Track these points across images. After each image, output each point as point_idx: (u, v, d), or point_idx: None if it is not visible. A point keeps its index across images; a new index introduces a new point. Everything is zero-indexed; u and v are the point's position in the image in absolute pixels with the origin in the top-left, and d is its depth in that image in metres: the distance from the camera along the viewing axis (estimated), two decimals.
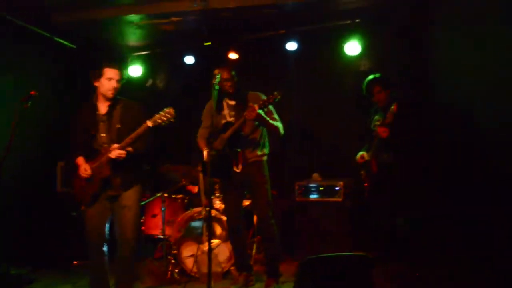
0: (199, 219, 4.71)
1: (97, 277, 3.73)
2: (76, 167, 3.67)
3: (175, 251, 4.67)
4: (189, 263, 4.55)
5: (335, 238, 4.87)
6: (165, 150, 6.10)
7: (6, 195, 4.65)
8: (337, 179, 5.09)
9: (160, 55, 6.47)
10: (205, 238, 4.41)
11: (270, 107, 4.12)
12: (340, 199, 4.97)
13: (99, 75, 3.61)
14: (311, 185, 5.13)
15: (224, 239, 4.62)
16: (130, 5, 5.07)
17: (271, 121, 4.09)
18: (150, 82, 6.55)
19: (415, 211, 4.37)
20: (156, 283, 4.58)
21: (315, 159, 5.79)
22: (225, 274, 4.60)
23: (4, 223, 4.55)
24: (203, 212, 4.69)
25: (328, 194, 5.03)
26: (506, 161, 3.97)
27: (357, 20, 5.40)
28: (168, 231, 4.92)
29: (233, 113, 4.20)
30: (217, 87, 3.60)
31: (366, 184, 4.53)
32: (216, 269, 4.50)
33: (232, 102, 4.25)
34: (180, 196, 5.22)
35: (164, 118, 3.43)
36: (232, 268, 4.57)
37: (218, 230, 4.70)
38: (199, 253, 4.42)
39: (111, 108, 3.68)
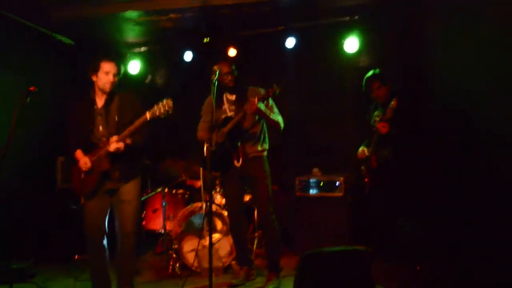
0: (200, 214, 4.73)
1: (97, 271, 3.74)
2: (75, 161, 3.69)
3: (176, 246, 4.70)
4: (190, 257, 4.57)
5: (335, 233, 4.90)
6: (165, 146, 6.12)
7: (7, 190, 4.68)
8: (337, 174, 5.11)
9: (159, 51, 6.48)
10: (206, 232, 4.44)
11: (270, 101, 4.14)
12: (340, 194, 5.00)
13: (96, 69, 3.63)
14: (311, 180, 5.15)
15: (225, 234, 4.65)
16: (129, 1, 5.06)
17: (271, 115, 4.11)
18: (149, 78, 6.56)
19: (414, 208, 4.39)
20: (157, 278, 4.61)
21: (315, 154, 5.81)
22: (226, 269, 4.63)
23: (6, 217, 4.57)
24: (204, 207, 4.72)
25: (329, 189, 5.05)
26: (506, 160, 3.99)
27: (355, 17, 5.42)
28: (169, 226, 4.94)
29: (233, 107, 4.22)
30: (216, 83, 3.62)
31: (366, 180, 4.55)
32: (217, 263, 4.53)
33: (232, 97, 4.27)
34: (181, 191, 5.24)
35: (163, 110, 3.44)
36: (233, 262, 4.60)
37: (219, 224, 4.73)
38: (200, 247, 4.44)
39: (109, 101, 3.70)
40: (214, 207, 4.71)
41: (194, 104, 4.70)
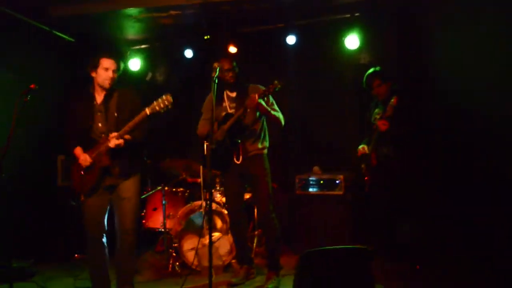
0: (200, 213, 4.72)
1: (97, 268, 3.74)
2: (74, 158, 3.68)
3: (176, 244, 4.69)
4: (190, 256, 4.57)
5: (335, 231, 4.89)
6: (165, 145, 6.11)
7: (7, 189, 4.66)
8: (337, 172, 5.10)
9: (159, 48, 6.47)
10: (206, 231, 4.43)
11: (271, 99, 4.13)
12: (340, 193, 4.99)
13: (96, 66, 3.62)
14: (311, 178, 5.14)
15: (225, 232, 4.64)
16: None
17: (272, 112, 4.09)
18: (149, 76, 6.54)
19: (414, 206, 4.37)
20: (157, 277, 4.60)
21: (315, 152, 5.80)
22: (226, 267, 4.63)
23: (5, 216, 4.56)
24: (204, 205, 4.71)
25: (329, 187, 5.04)
26: (505, 159, 3.98)
27: (356, 14, 5.40)
28: (169, 225, 4.93)
29: (233, 105, 4.21)
30: (216, 81, 3.60)
31: (366, 178, 4.54)
32: (217, 262, 4.52)
33: (233, 94, 4.26)
34: (181, 189, 5.24)
35: (162, 105, 3.44)
36: (233, 261, 4.60)
37: (218, 223, 4.72)
38: (200, 246, 4.44)
39: (108, 97, 3.69)
40: (214, 206, 4.70)
41: (195, 102, 4.70)
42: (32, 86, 3.57)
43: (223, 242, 4.63)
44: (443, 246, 4.51)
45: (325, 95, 5.83)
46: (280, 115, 4.18)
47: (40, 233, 5.11)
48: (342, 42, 5.45)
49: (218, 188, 5.04)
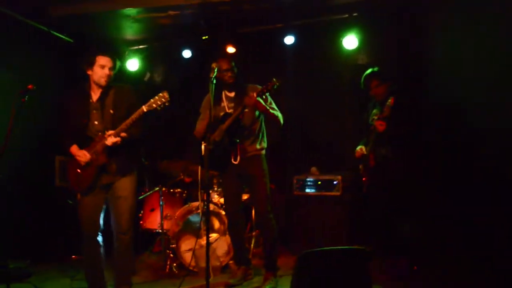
0: (197, 213, 4.71)
1: (92, 267, 3.74)
2: (70, 156, 3.67)
3: (173, 245, 4.68)
4: (187, 257, 4.56)
5: (333, 232, 4.89)
6: (163, 146, 6.10)
7: (4, 189, 4.65)
8: (335, 173, 5.10)
9: (157, 49, 6.46)
10: (203, 232, 4.42)
11: (269, 98, 4.12)
12: (338, 193, 4.98)
13: (92, 63, 3.62)
14: (309, 179, 5.13)
15: (222, 233, 4.63)
16: None
17: (271, 110, 4.09)
18: (147, 76, 6.54)
19: (412, 207, 4.37)
20: (155, 277, 4.59)
21: (313, 153, 5.79)
22: (224, 268, 4.62)
23: (2, 217, 4.55)
24: (201, 206, 4.70)
25: (326, 188, 5.03)
26: (504, 159, 3.97)
27: (354, 14, 5.39)
28: (166, 225, 4.93)
29: (232, 104, 4.20)
30: (214, 81, 3.60)
31: (364, 179, 4.53)
32: (214, 263, 4.51)
33: (231, 94, 4.25)
34: (178, 190, 5.23)
35: (159, 102, 3.44)
36: (231, 262, 4.59)
37: (216, 224, 4.71)
38: (197, 247, 4.43)
39: (104, 95, 3.69)
40: (211, 206, 4.69)
41: (193, 102, 4.69)
42: (29, 86, 3.57)
43: (220, 243, 4.62)
44: (442, 246, 4.50)
45: (323, 95, 5.83)
46: (279, 114, 4.18)
47: (37, 233, 5.08)
48: (340, 43, 5.46)
49: (215, 189, 5.03)
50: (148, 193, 5.14)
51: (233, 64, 4.17)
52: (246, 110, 4.02)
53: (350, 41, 5.38)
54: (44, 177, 5.37)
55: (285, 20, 5.67)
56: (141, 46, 6.39)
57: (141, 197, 5.05)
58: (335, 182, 5.00)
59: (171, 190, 5.18)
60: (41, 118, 5.06)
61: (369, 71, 4.50)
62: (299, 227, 5.10)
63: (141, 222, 5.13)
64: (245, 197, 4.81)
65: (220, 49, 5.76)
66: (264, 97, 3.96)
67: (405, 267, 4.19)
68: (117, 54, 3.78)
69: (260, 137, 4.25)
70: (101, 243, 3.73)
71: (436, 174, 4.82)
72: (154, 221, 5.09)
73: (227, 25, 5.77)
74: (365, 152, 4.50)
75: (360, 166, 4.57)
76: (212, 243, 4.52)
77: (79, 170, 3.63)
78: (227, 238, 4.56)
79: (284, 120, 4.23)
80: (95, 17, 5.39)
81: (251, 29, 5.91)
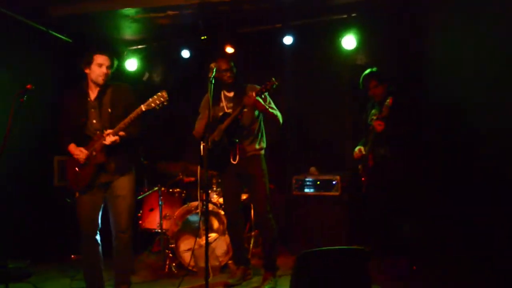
0: (197, 213, 4.71)
1: (90, 266, 3.75)
2: (68, 155, 3.67)
3: (172, 245, 4.68)
4: (186, 257, 4.56)
5: (332, 232, 4.89)
6: (162, 145, 6.10)
7: (3, 189, 4.65)
8: (334, 173, 5.10)
9: (156, 49, 6.46)
10: (202, 232, 4.42)
11: (268, 98, 4.12)
12: (337, 193, 4.98)
13: (90, 62, 3.63)
14: (308, 179, 5.13)
15: (221, 233, 4.63)
16: None
17: (270, 109, 4.09)
18: (146, 76, 6.53)
19: (411, 207, 4.37)
20: (154, 277, 4.59)
21: (312, 153, 5.80)
22: (223, 268, 4.62)
23: (2, 217, 4.55)
24: (201, 206, 4.70)
25: (325, 188, 5.03)
26: (503, 159, 3.98)
27: (353, 14, 5.40)
28: (165, 225, 4.93)
29: (231, 104, 4.20)
30: (213, 81, 3.60)
31: (363, 179, 4.53)
32: (213, 263, 4.52)
33: (230, 94, 4.25)
34: (178, 190, 5.22)
35: (158, 102, 3.45)
36: (230, 262, 4.59)
37: (215, 224, 4.71)
38: (196, 247, 4.43)
39: (101, 93, 3.69)
40: (210, 206, 4.69)
41: (192, 102, 4.69)
42: (28, 86, 3.56)
43: (219, 243, 4.62)
44: (442, 246, 4.51)
45: (322, 95, 5.83)
46: (278, 113, 4.18)
47: (37, 233, 5.08)
48: (339, 43, 5.46)
49: (215, 188, 5.03)
50: (147, 193, 5.13)
51: (232, 64, 4.17)
52: (245, 109, 4.03)
53: (349, 41, 5.39)
54: (43, 177, 5.37)
55: (284, 20, 5.67)
56: (140, 46, 6.39)
57: (140, 197, 5.04)
58: (334, 182, 5.01)
59: (170, 190, 5.18)
60: (40, 118, 5.07)
61: (367, 71, 4.51)
62: (298, 227, 5.10)
63: (140, 222, 5.13)
64: (244, 197, 4.82)
65: (219, 49, 5.76)
66: (263, 96, 3.96)
67: (404, 267, 4.20)
68: (114, 52, 3.78)
69: (259, 137, 4.26)
70: (99, 242, 3.74)
71: (436, 174, 4.82)
72: (153, 221, 5.09)
73: (226, 25, 5.77)
74: (363, 153, 4.51)
75: (359, 166, 4.57)
76: (211, 243, 4.52)
77: (77, 169, 3.63)
78: (226, 238, 4.56)
79: (283, 120, 4.23)
80: (94, 17, 5.39)
81: (250, 29, 5.91)
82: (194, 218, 4.72)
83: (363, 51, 5.62)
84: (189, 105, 4.89)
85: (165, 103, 3.47)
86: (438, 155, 4.85)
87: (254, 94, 3.86)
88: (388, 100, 4.16)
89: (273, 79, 3.81)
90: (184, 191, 5.26)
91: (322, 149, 5.77)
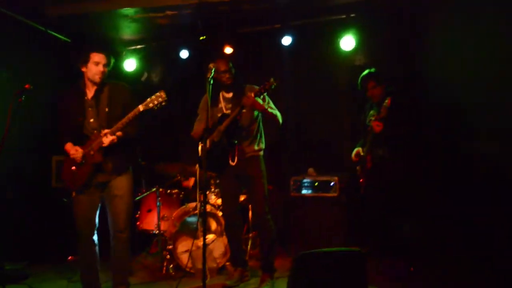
0: (195, 214, 4.70)
1: (87, 267, 3.75)
2: (65, 154, 3.67)
3: (170, 246, 4.67)
4: (184, 258, 4.54)
5: (330, 233, 4.87)
6: (160, 146, 6.08)
7: (1, 190, 4.64)
8: (332, 174, 5.09)
9: (155, 49, 6.44)
10: (200, 233, 4.41)
11: (267, 98, 4.11)
12: (335, 194, 4.96)
13: (86, 60, 3.62)
14: (306, 180, 5.12)
15: (219, 234, 4.62)
16: None
17: (269, 109, 4.08)
18: (145, 76, 6.52)
19: (409, 208, 4.36)
20: (151, 279, 4.58)
21: (310, 153, 5.79)
22: (220, 270, 4.60)
23: None
24: (199, 207, 4.69)
25: (323, 189, 5.01)
26: (501, 160, 3.97)
27: (352, 15, 5.39)
28: (163, 226, 4.92)
29: (229, 105, 4.19)
30: (211, 81, 3.59)
31: (361, 180, 4.53)
32: (211, 264, 4.51)
33: (229, 95, 4.24)
34: (176, 191, 5.21)
35: (156, 102, 3.44)
36: (227, 263, 4.58)
37: (213, 225, 4.70)
38: (194, 248, 4.41)
39: (99, 92, 3.68)
40: (208, 207, 4.68)
41: (190, 102, 4.68)
42: (26, 86, 3.57)
43: (217, 244, 4.61)
44: (441, 246, 4.50)
45: (320, 96, 5.82)
46: (277, 113, 4.18)
47: (34, 235, 5.07)
48: (338, 43, 5.45)
49: (213, 189, 5.02)
50: (145, 193, 5.12)
51: (230, 65, 4.17)
52: (244, 110, 4.02)
53: (348, 42, 5.38)
54: (41, 178, 5.36)
55: (283, 20, 5.66)
56: (138, 46, 6.38)
57: (138, 198, 5.03)
58: (332, 183, 4.99)
59: (168, 191, 5.16)
60: (38, 118, 5.06)
61: (365, 72, 4.50)
62: (296, 228, 5.07)
63: (138, 223, 5.11)
64: (242, 198, 4.80)
65: (217, 49, 5.75)
66: (262, 96, 3.95)
67: (402, 268, 4.19)
68: (111, 51, 3.77)
69: (258, 137, 4.25)
70: (96, 242, 3.73)
71: (435, 175, 4.81)
72: (151, 222, 5.07)
73: (225, 25, 5.76)
74: (362, 154, 4.50)
75: (358, 167, 4.57)
76: (209, 244, 4.51)
77: (74, 168, 3.62)
78: (224, 239, 4.54)
79: (282, 120, 4.22)
80: (93, 17, 5.39)
81: (249, 29, 5.90)
82: (192, 219, 4.70)
83: (361, 52, 5.61)
84: (188, 105, 4.89)
85: (163, 103, 3.46)
86: (437, 155, 4.84)
87: (252, 94, 3.85)
88: (386, 101, 4.15)
89: (272, 79, 3.80)
90: (182, 192, 5.25)
91: (321, 149, 5.75)
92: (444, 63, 4.57)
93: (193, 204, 4.85)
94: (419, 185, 4.54)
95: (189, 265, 4.49)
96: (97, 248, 3.73)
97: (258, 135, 4.25)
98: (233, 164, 4.11)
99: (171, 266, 4.67)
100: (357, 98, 4.88)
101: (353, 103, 5.33)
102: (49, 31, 5.54)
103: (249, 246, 4.97)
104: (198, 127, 4.32)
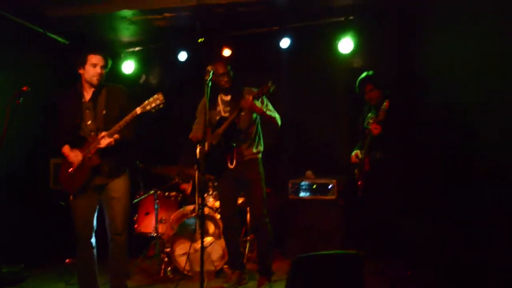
0: (192, 217, 4.69)
1: (85, 270, 3.74)
2: (62, 156, 3.66)
3: (168, 249, 4.66)
4: (182, 261, 4.54)
5: (327, 236, 4.87)
6: (158, 149, 6.08)
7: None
8: (330, 177, 5.09)
9: (153, 51, 6.44)
10: (198, 236, 4.40)
11: (265, 100, 4.11)
12: (333, 197, 4.97)
13: (84, 62, 3.62)
14: (304, 183, 5.12)
15: (217, 237, 4.61)
16: (123, 0, 5.03)
17: (268, 112, 4.08)
18: (143, 78, 6.52)
19: (407, 211, 4.36)
20: (149, 282, 4.57)
21: (309, 156, 5.78)
22: (218, 273, 4.60)
23: None
24: (197, 210, 4.68)
25: (321, 192, 5.02)
26: (498, 163, 3.96)
27: (350, 17, 5.39)
28: (161, 229, 4.91)
29: (228, 108, 4.19)
30: (209, 83, 3.58)
31: (359, 182, 4.52)
32: (209, 267, 4.49)
33: (227, 98, 4.24)
34: (173, 193, 5.21)
35: (154, 104, 3.44)
36: (225, 266, 4.57)
37: (211, 228, 4.69)
38: (192, 251, 4.41)
39: (96, 94, 3.67)
40: (206, 210, 4.67)
41: (189, 105, 4.67)
42: (24, 88, 3.56)
43: (215, 247, 4.60)
44: (440, 248, 4.49)
45: (318, 98, 5.83)
46: (276, 115, 4.18)
47: (31, 237, 5.05)
48: (336, 46, 5.44)
49: (211, 192, 5.01)
50: (143, 196, 5.11)
51: (229, 68, 4.17)
52: (242, 113, 4.01)
53: (346, 45, 5.37)
54: (38, 180, 5.34)
55: (281, 23, 5.66)
56: (136, 48, 6.37)
57: (135, 201, 5.02)
58: (330, 186, 4.99)
59: (166, 194, 5.15)
60: (36, 120, 5.04)
61: (363, 75, 4.49)
62: (294, 231, 5.08)
63: (135, 225, 5.11)
64: (240, 201, 4.80)
65: (216, 52, 5.75)
66: (260, 99, 3.95)
67: (400, 271, 4.18)
68: (108, 52, 3.76)
69: (257, 140, 4.25)
70: (94, 245, 3.73)
71: (433, 177, 4.80)
72: (148, 224, 5.06)
73: (223, 27, 5.76)
74: (360, 156, 4.50)
75: (356, 170, 4.56)
76: (206, 247, 4.50)
77: (71, 171, 3.61)
78: (222, 242, 4.54)
79: (281, 122, 4.22)
80: (91, 19, 5.38)
81: (247, 31, 5.90)
82: (190, 222, 4.70)
83: (359, 54, 5.61)
84: (186, 107, 4.87)
85: (161, 106, 3.46)
86: (436, 157, 4.84)
87: (251, 97, 3.85)
88: (384, 104, 4.15)
89: (270, 83, 3.80)
90: (180, 195, 5.24)
91: (319, 152, 5.75)
92: (442, 66, 4.56)
93: (191, 207, 4.85)
94: (417, 187, 4.54)
95: (187, 268, 4.48)
96: (95, 251, 3.73)
97: (257, 138, 4.25)
98: (232, 167, 4.11)
99: (169, 269, 4.66)
100: (355, 101, 4.87)
101: (351, 106, 5.32)
102: (47, 33, 5.53)
103: (247, 249, 4.97)
104: (196, 130, 4.31)
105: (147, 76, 6.59)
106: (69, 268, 4.88)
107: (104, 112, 3.64)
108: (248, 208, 4.85)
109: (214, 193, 4.97)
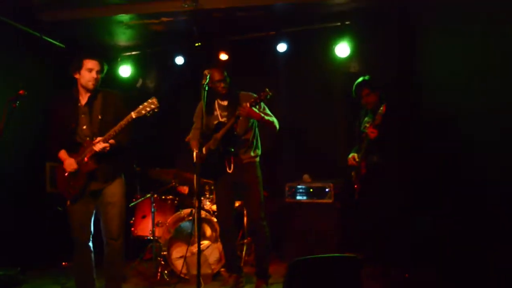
0: (189, 220, 4.69)
1: (83, 274, 3.72)
2: (58, 161, 3.65)
3: (164, 253, 4.66)
4: (178, 264, 4.53)
5: (324, 239, 4.88)
6: (154, 153, 6.07)
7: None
8: (327, 180, 5.10)
9: (150, 55, 6.45)
10: (195, 239, 4.40)
11: (262, 105, 4.13)
12: (330, 201, 4.98)
13: (79, 67, 3.61)
14: (301, 186, 5.13)
15: (214, 240, 4.61)
16: (120, 4, 5.04)
17: (266, 117, 4.09)
18: (140, 82, 6.52)
19: (404, 214, 4.37)
20: (146, 285, 4.56)
21: (306, 160, 5.80)
22: (215, 276, 4.60)
23: None
24: (193, 213, 4.68)
25: (318, 195, 5.03)
26: (494, 166, 3.97)
27: (347, 22, 5.42)
28: (158, 232, 4.90)
29: (225, 113, 4.20)
30: (206, 88, 3.59)
31: (356, 186, 4.54)
32: (206, 270, 4.49)
33: (224, 103, 4.25)
34: (170, 197, 5.20)
35: (148, 109, 3.43)
36: (222, 269, 4.57)
37: (208, 231, 4.69)
38: (188, 254, 4.41)
39: (92, 99, 3.67)
40: (203, 214, 4.68)
41: (185, 109, 4.68)
42: (21, 92, 3.55)
43: (212, 251, 4.60)
44: (437, 251, 4.49)
45: (315, 103, 5.84)
46: (274, 119, 4.19)
47: (28, 240, 5.04)
48: (333, 50, 5.47)
49: (207, 195, 5.02)
50: (140, 199, 5.10)
51: (225, 74, 4.18)
52: (240, 118, 4.03)
53: (342, 49, 5.40)
54: (35, 183, 5.33)
55: (278, 27, 5.69)
56: (133, 53, 6.39)
57: (132, 204, 5.01)
58: (326, 190, 5.00)
59: (163, 197, 5.15)
60: (32, 124, 5.04)
61: (360, 79, 4.52)
62: (291, 234, 5.08)
63: (132, 229, 5.10)
64: (237, 204, 4.80)
65: (213, 57, 5.76)
66: (257, 106, 3.96)
67: (397, 274, 4.19)
68: (104, 57, 3.76)
69: (255, 144, 4.27)
70: (92, 249, 3.72)
71: (429, 181, 4.82)
72: (145, 228, 5.06)
73: (220, 32, 5.78)
74: (357, 160, 4.52)
75: (352, 173, 4.58)
76: (203, 250, 4.50)
77: (67, 175, 3.61)
78: (218, 246, 4.54)
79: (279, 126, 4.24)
80: (88, 23, 5.39)
81: (244, 36, 5.92)
82: (186, 225, 4.70)
83: (356, 59, 5.64)
84: (183, 111, 4.88)
85: (155, 110, 3.46)
86: (433, 161, 4.85)
87: (248, 105, 3.86)
88: (381, 108, 4.17)
89: (267, 89, 3.81)
90: (177, 198, 5.24)
91: (315, 156, 5.76)
92: (439, 69, 4.59)
93: (187, 210, 4.84)
94: (413, 190, 4.55)
95: (184, 271, 4.47)
96: (92, 254, 3.72)
97: (254, 142, 4.27)
98: (230, 172, 4.12)
99: (166, 272, 4.65)
100: (352, 105, 4.89)
101: (348, 110, 5.35)
102: (44, 37, 5.53)
103: (243, 252, 4.97)
104: (194, 136, 4.32)
105: (144, 80, 6.59)
106: (66, 272, 4.87)
107: (99, 117, 3.63)
108: (245, 211, 4.86)
109: (211, 196, 4.97)
